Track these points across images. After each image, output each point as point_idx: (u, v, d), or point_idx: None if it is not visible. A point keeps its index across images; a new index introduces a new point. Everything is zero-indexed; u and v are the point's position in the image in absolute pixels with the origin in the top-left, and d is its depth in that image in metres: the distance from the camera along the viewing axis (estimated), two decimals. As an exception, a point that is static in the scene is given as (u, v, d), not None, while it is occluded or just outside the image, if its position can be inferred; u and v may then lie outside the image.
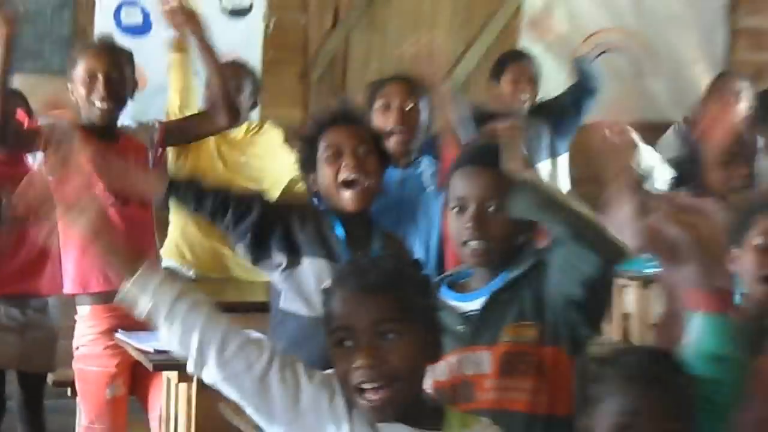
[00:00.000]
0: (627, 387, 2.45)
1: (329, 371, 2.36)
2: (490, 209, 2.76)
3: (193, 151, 5.10)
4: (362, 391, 2.23)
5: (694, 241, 3.47)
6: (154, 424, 4.42)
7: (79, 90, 4.31)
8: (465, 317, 2.74)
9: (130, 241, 3.67)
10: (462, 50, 6.90)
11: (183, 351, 2.31)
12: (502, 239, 2.76)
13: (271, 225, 3.47)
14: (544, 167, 5.85)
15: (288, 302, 3.44)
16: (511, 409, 2.82)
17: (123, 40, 5.20)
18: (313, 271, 3.38)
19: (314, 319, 3.18)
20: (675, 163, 5.31)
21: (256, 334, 2.45)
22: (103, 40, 4.88)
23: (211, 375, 2.29)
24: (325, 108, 4.27)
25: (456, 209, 2.74)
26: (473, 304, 2.80)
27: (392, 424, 2.30)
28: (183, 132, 4.76)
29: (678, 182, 4.88)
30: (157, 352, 3.78)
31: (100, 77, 4.26)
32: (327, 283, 2.40)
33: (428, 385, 2.58)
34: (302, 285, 3.43)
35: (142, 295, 2.28)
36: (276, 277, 3.50)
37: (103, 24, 6.31)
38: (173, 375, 3.96)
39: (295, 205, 3.70)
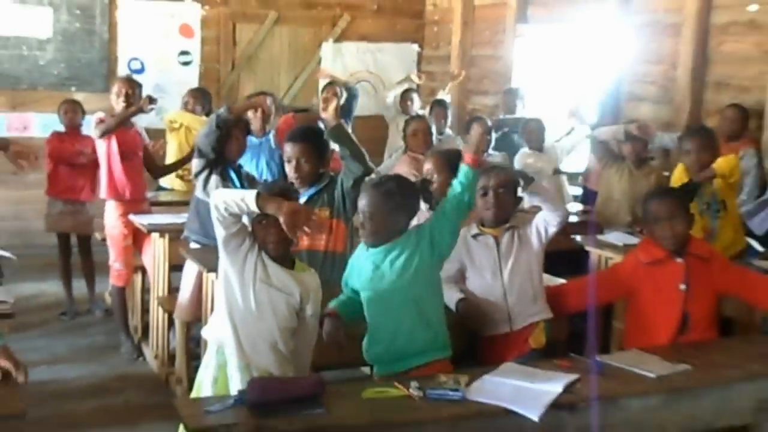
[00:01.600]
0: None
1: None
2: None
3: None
4: (267, 245, 3.65)
5: None
6: (146, 259, 6.46)
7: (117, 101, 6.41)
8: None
9: None
10: (293, 80, 10.08)
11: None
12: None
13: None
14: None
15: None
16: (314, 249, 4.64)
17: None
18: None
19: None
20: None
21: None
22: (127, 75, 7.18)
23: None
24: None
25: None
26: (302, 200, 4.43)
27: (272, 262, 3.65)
28: None
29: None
30: (149, 224, 6.08)
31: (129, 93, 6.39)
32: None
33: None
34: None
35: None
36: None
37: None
38: (156, 235, 6.05)
39: None
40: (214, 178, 5.37)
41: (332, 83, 8.86)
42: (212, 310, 4.12)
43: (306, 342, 3.74)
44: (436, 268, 3.88)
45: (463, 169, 3.79)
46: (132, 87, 6.51)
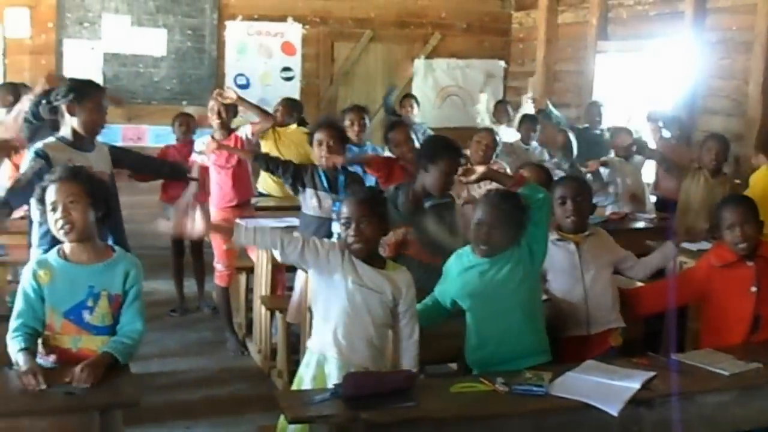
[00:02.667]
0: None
1: (332, 240, 3.95)
2: None
3: (269, 140, 7.29)
4: (350, 245, 3.59)
5: None
6: (252, 257, 6.49)
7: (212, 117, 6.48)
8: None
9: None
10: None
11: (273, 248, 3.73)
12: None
13: (298, 175, 5.61)
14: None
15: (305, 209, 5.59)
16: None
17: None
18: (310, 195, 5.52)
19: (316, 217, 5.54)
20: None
21: (296, 234, 3.74)
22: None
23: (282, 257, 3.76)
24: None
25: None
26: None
27: (362, 263, 3.59)
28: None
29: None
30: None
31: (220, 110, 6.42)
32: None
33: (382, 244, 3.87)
34: (307, 201, 5.54)
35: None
36: (301, 198, 5.60)
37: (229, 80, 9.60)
38: None
39: (305, 166, 5.67)
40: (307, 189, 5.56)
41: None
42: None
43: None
44: (537, 275, 3.92)
45: (529, 186, 3.91)
46: (226, 107, 6.56)
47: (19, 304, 3.45)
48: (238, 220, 4.38)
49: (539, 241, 3.86)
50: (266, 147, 7.38)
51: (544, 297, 4.20)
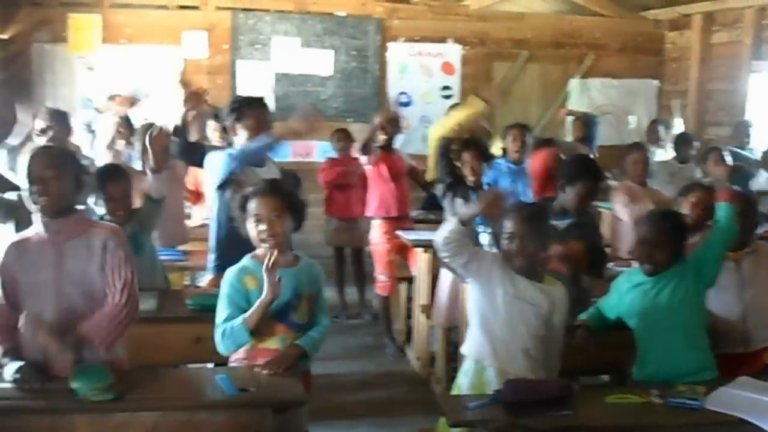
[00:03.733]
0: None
1: (495, 251, 3.66)
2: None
3: None
4: (513, 259, 3.57)
5: None
6: (413, 268, 6.46)
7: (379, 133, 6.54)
8: None
9: None
10: (543, 113, 10.07)
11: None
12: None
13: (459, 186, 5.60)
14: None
15: None
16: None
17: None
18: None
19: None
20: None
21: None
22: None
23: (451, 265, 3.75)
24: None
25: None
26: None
27: (521, 276, 3.57)
28: None
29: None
30: (415, 239, 6.17)
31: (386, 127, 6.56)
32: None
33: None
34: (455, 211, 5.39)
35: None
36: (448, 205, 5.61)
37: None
38: (421, 249, 6.10)
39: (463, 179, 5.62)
40: (458, 201, 5.53)
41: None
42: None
43: (555, 348, 3.73)
44: (702, 295, 3.83)
45: (723, 206, 3.81)
46: (393, 120, 6.69)
47: (225, 310, 3.52)
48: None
49: (710, 263, 3.80)
50: None
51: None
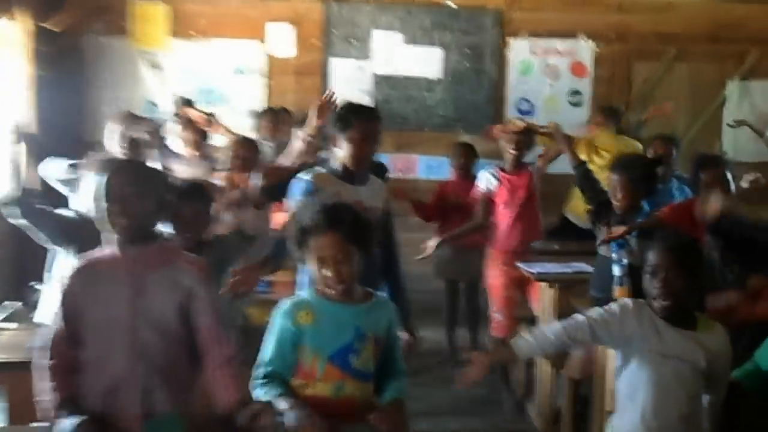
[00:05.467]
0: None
1: (623, 301, 3.66)
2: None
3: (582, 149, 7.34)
4: (655, 299, 3.53)
5: None
6: (535, 306, 6.56)
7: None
8: None
9: None
10: (692, 122, 10.03)
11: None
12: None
13: (604, 205, 5.55)
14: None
15: None
16: None
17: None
18: None
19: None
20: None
21: (577, 316, 3.62)
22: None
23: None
24: None
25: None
26: None
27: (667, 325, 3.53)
28: None
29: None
30: (538, 273, 6.29)
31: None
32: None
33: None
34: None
35: None
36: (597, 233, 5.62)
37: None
38: (545, 284, 6.23)
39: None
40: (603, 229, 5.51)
41: None
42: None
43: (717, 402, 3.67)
44: None
45: None
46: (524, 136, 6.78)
47: (268, 351, 3.55)
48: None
49: None
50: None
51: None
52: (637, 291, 3.76)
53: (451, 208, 7.62)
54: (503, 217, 6.79)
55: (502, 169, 6.78)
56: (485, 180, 6.84)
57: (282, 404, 3.43)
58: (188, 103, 8.19)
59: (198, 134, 7.66)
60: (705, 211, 4.80)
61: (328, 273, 3.49)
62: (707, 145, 9.88)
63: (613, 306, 3.65)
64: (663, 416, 3.55)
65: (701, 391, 3.59)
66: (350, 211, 3.61)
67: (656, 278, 3.55)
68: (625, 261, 5.19)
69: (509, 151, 6.75)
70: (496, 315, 6.80)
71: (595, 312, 3.64)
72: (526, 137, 6.83)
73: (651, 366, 3.53)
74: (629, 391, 3.62)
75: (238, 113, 9.32)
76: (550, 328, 3.71)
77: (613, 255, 5.28)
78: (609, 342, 3.66)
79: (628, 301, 3.65)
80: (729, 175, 5.60)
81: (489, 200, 6.83)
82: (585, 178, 5.89)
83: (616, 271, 5.24)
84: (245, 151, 6.55)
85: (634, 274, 4.80)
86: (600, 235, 5.54)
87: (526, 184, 6.82)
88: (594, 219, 5.71)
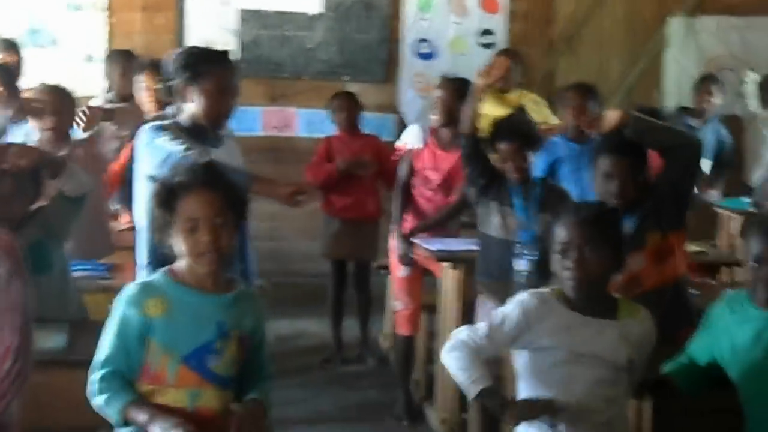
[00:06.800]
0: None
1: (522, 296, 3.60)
2: None
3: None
4: (567, 280, 3.53)
5: None
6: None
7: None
8: None
9: None
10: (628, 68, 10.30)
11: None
12: None
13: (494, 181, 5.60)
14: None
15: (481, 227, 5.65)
16: None
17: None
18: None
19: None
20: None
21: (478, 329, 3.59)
22: None
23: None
24: None
25: None
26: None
27: (580, 316, 3.51)
28: None
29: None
30: (438, 250, 6.23)
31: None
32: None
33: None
34: (488, 218, 5.59)
35: None
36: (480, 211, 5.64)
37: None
38: (447, 265, 6.17)
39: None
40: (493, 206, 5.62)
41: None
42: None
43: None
44: None
45: None
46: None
47: (106, 347, 3.45)
48: None
49: None
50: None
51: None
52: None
53: (338, 172, 7.60)
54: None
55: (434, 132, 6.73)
56: (414, 137, 6.92)
57: (139, 416, 3.35)
58: (12, 46, 8.07)
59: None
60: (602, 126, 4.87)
61: (204, 237, 3.40)
62: (646, 95, 10.05)
63: (511, 303, 3.65)
64: (578, 425, 3.54)
65: (624, 390, 3.64)
66: (226, 172, 3.62)
67: (567, 257, 3.56)
68: (534, 255, 5.22)
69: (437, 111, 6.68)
70: (398, 304, 6.86)
71: (496, 317, 3.64)
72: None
73: (561, 369, 3.53)
74: (534, 393, 3.59)
75: (73, 58, 9.26)
76: (457, 361, 3.61)
77: (517, 247, 5.33)
78: (511, 345, 3.62)
79: (529, 295, 3.63)
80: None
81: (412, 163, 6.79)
82: (475, 151, 5.79)
83: (521, 265, 5.30)
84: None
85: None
86: (490, 214, 5.64)
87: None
88: (481, 195, 5.74)
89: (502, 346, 3.64)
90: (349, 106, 7.82)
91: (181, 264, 3.50)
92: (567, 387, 3.51)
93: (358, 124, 7.77)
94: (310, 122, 9.47)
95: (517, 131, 5.67)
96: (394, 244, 6.76)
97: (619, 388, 3.59)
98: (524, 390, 3.63)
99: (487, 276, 5.59)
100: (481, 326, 3.61)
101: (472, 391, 3.51)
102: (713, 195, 8.63)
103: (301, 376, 7.30)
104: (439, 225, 6.67)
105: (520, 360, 3.65)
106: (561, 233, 3.59)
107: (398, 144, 7.24)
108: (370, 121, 7.76)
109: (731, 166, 8.92)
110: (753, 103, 9.71)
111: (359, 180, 7.49)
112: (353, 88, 8.76)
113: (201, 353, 3.44)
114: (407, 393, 6.90)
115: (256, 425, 3.44)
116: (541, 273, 4.77)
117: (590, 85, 6.90)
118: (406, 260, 6.56)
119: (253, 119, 9.54)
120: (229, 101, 4.75)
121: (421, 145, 6.84)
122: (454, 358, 3.57)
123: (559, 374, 3.52)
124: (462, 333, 3.62)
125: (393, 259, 6.83)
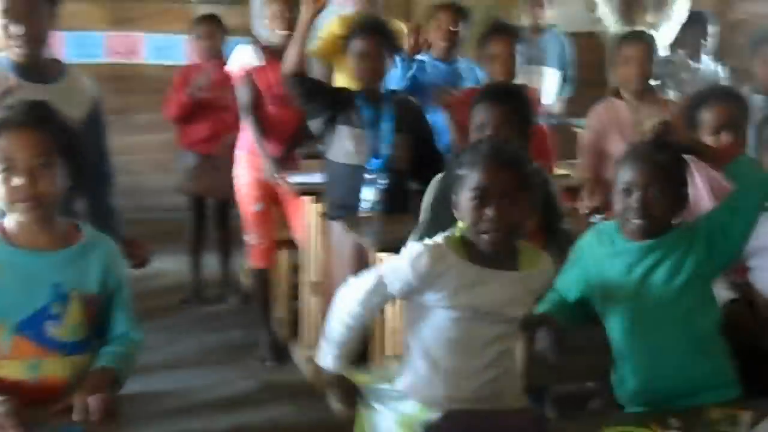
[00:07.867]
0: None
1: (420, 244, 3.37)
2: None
3: None
4: (486, 233, 3.28)
5: None
6: (297, 230, 6.53)
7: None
8: None
9: None
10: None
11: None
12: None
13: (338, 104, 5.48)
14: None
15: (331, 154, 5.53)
16: None
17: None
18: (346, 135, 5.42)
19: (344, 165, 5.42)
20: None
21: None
22: None
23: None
24: None
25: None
26: None
27: (480, 269, 3.30)
28: None
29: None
30: (299, 184, 6.17)
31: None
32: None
33: None
34: (338, 144, 5.46)
35: None
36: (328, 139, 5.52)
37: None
38: (308, 199, 6.09)
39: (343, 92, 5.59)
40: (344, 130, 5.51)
41: None
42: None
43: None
44: (714, 276, 3.71)
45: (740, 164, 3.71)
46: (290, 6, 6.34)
47: None
48: None
49: (731, 231, 3.62)
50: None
51: (731, 295, 4.03)
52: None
53: (199, 104, 7.37)
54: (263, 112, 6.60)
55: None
56: (247, 57, 6.60)
57: None
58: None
59: None
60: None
61: (19, 183, 3.19)
62: (509, 12, 9.65)
63: (403, 257, 3.40)
64: (459, 379, 3.41)
65: (515, 338, 3.53)
66: (57, 113, 3.38)
67: (487, 205, 3.29)
68: (382, 182, 5.19)
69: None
70: (250, 238, 6.74)
71: (386, 268, 3.45)
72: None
73: (459, 326, 3.36)
74: (426, 354, 3.44)
75: None
76: (342, 318, 3.45)
77: (367, 174, 5.25)
78: (401, 296, 3.43)
79: (422, 250, 3.35)
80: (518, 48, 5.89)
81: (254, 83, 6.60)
82: (307, 90, 5.63)
83: (368, 195, 5.25)
84: None
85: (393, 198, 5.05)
86: (341, 140, 5.49)
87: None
88: (329, 124, 5.60)
89: (390, 300, 3.52)
90: (214, 33, 7.60)
91: (10, 221, 3.32)
92: (464, 346, 3.38)
93: (223, 52, 7.45)
94: (158, 48, 9.06)
95: (375, 28, 5.59)
96: (241, 175, 6.74)
97: (512, 341, 3.51)
98: (413, 346, 3.47)
99: (337, 210, 5.53)
100: (369, 280, 3.40)
101: (326, 364, 3.47)
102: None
103: (159, 319, 7.14)
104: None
105: (410, 314, 3.48)
106: (478, 177, 3.32)
107: (229, 68, 6.84)
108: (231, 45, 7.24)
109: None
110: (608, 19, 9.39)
111: (218, 111, 7.30)
112: (203, 10, 8.41)
113: (37, 319, 3.27)
114: (271, 332, 6.84)
115: (97, 401, 3.12)
116: (388, 203, 5.07)
117: (460, 5, 6.87)
118: (273, 180, 6.51)
119: (94, 45, 9.15)
120: (42, 22, 4.27)
121: (257, 64, 6.58)
122: (337, 320, 3.43)
123: (456, 332, 3.36)
124: (352, 290, 3.42)
125: (243, 193, 6.75)
